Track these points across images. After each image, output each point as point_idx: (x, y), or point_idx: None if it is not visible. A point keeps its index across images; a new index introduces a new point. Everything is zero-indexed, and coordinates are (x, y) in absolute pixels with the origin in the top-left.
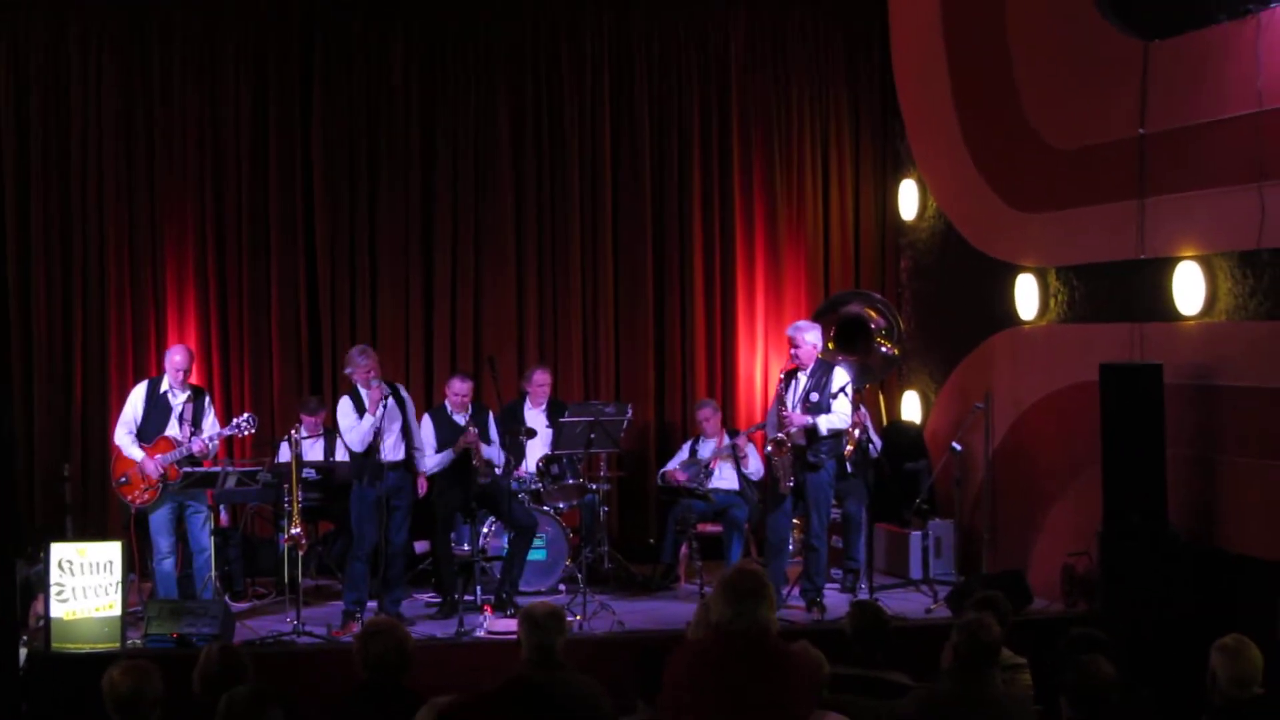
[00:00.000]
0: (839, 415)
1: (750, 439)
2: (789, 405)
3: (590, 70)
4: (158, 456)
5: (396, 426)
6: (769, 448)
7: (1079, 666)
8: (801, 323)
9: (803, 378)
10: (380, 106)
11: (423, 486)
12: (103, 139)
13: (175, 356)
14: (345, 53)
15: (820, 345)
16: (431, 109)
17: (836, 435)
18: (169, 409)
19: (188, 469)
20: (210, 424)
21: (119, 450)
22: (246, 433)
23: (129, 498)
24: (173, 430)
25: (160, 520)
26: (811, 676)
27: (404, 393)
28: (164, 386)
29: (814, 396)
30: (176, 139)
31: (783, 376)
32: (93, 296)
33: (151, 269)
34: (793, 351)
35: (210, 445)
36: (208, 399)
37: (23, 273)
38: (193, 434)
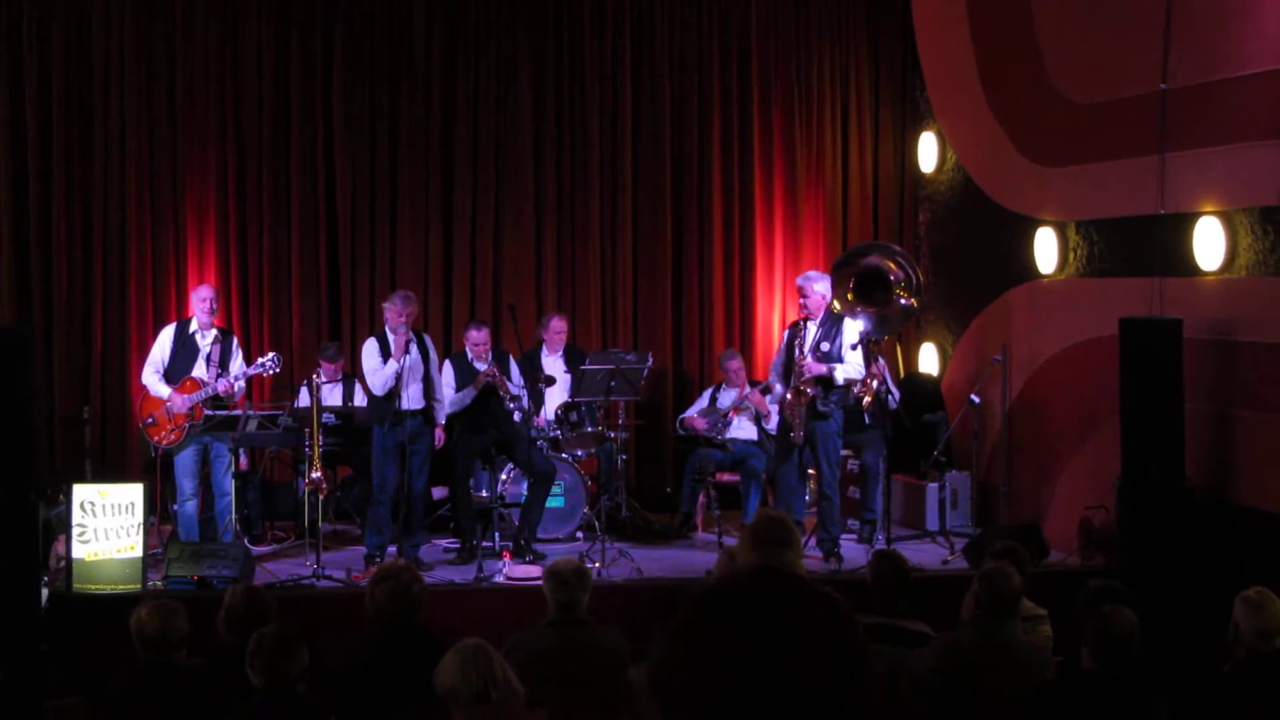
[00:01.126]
0: (853, 365)
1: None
2: (799, 354)
3: (611, 20)
4: (184, 396)
5: (419, 376)
6: (788, 396)
7: (1102, 616)
8: (811, 273)
9: (812, 327)
10: (401, 54)
11: (439, 438)
12: (124, 84)
13: (201, 291)
14: (366, 2)
15: (829, 295)
16: (453, 56)
17: (848, 386)
18: (196, 350)
19: (209, 411)
20: (237, 365)
21: (146, 390)
22: (271, 371)
23: (155, 438)
24: (199, 371)
25: (185, 461)
26: None
27: (429, 343)
28: (192, 328)
29: (824, 346)
30: (198, 84)
31: (789, 327)
32: (113, 241)
33: (172, 214)
34: (802, 301)
35: (237, 385)
36: (235, 341)
37: (43, 217)
38: (219, 375)
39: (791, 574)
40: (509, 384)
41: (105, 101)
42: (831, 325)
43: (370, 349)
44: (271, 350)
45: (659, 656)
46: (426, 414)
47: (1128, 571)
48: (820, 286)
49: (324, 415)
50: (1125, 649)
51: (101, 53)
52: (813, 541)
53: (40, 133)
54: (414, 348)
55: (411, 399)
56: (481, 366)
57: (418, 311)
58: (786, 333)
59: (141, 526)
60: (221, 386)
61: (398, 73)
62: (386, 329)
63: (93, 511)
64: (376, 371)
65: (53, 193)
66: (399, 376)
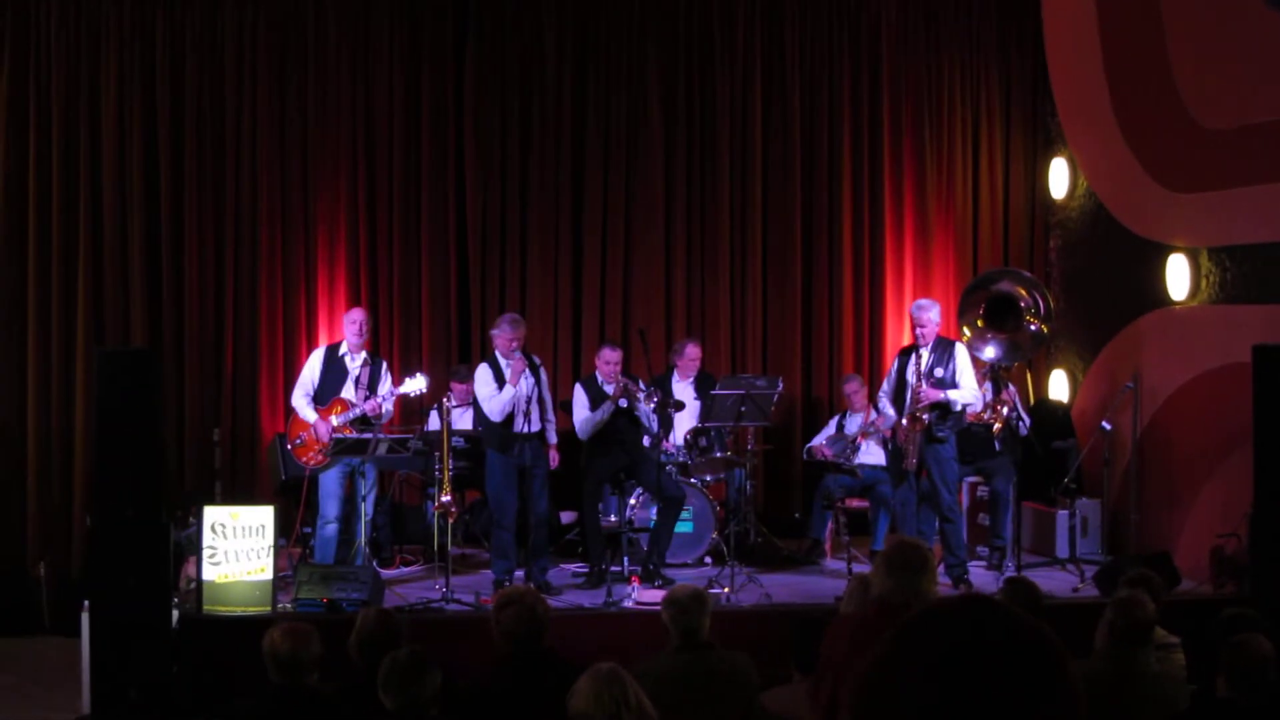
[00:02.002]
0: (970, 390)
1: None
2: (914, 380)
3: (742, 45)
4: (331, 418)
5: (533, 401)
6: (903, 422)
7: (1237, 644)
8: (923, 300)
9: (924, 353)
10: (533, 80)
11: (554, 459)
12: (256, 109)
13: (353, 314)
14: (498, 22)
15: (940, 322)
16: (583, 82)
17: (961, 411)
18: (345, 372)
19: (338, 435)
20: (385, 388)
21: (295, 412)
22: (417, 394)
23: (303, 459)
24: (348, 393)
25: (329, 483)
26: None
27: (538, 362)
28: (341, 350)
29: (938, 372)
30: (330, 109)
31: (899, 353)
32: (244, 264)
33: (303, 238)
34: (919, 331)
35: (385, 406)
36: (384, 364)
37: (175, 239)
38: (367, 397)
39: (999, 603)
40: (639, 394)
41: (238, 126)
42: (944, 351)
43: (484, 375)
44: (398, 378)
45: (860, 685)
46: (542, 436)
47: (1261, 600)
48: (934, 314)
49: (454, 439)
50: (1261, 678)
51: (235, 78)
52: (941, 568)
53: (173, 156)
54: (527, 370)
55: (528, 422)
56: (610, 389)
57: (525, 332)
58: (897, 359)
59: (272, 549)
60: (369, 407)
61: (528, 97)
62: (497, 354)
63: (223, 533)
64: (493, 398)
65: (185, 215)
66: (514, 401)
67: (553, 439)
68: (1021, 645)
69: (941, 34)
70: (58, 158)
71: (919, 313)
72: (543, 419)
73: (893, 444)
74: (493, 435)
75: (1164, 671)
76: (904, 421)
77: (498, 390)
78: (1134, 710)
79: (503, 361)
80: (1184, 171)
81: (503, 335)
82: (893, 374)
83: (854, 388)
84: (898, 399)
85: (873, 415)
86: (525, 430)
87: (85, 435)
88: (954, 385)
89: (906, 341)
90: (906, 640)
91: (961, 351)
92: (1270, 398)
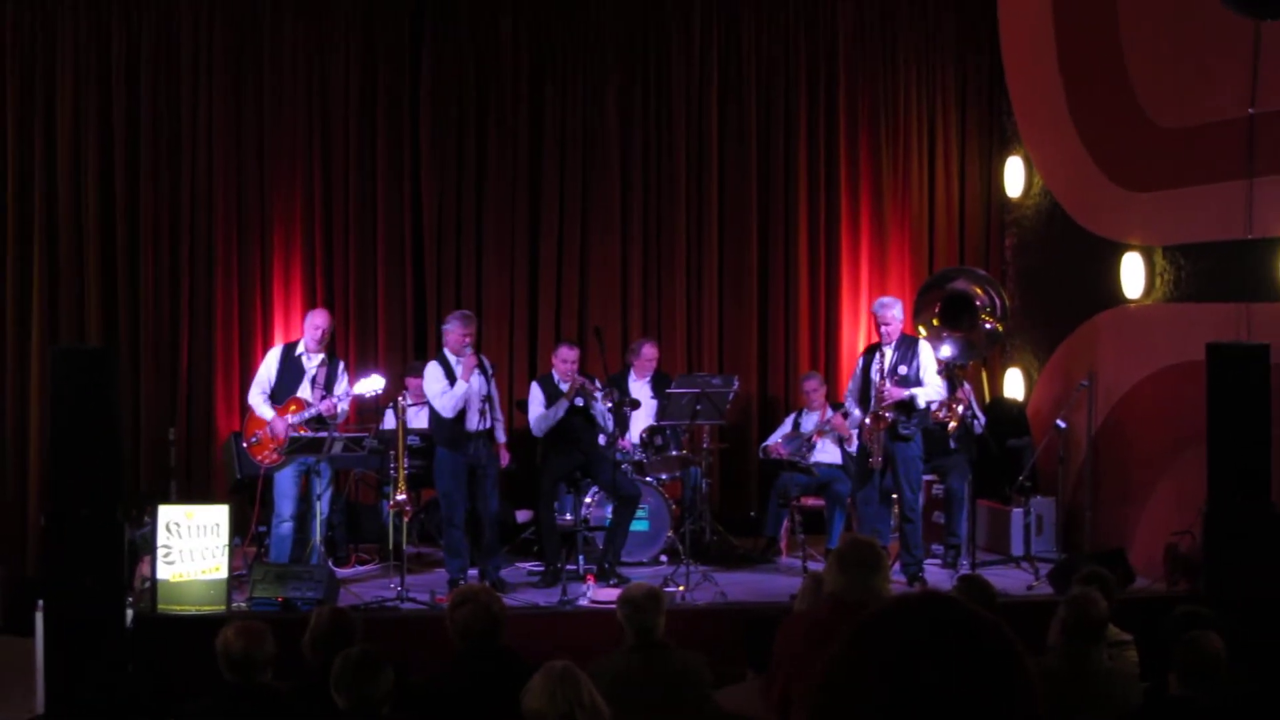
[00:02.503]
0: (933, 388)
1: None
2: (878, 379)
3: (698, 44)
4: (287, 417)
5: (481, 398)
6: (866, 421)
7: (1189, 641)
8: (886, 299)
9: (888, 352)
10: (489, 80)
11: (504, 458)
12: (212, 106)
13: (316, 318)
14: (454, 22)
15: (903, 319)
16: (540, 80)
17: (928, 408)
18: (302, 372)
19: (294, 434)
20: (342, 388)
21: (251, 410)
22: (373, 394)
23: (258, 457)
24: (304, 393)
25: (284, 482)
26: None
27: (487, 362)
28: (298, 350)
29: (902, 370)
30: (286, 109)
31: (864, 352)
32: (200, 263)
33: (259, 236)
34: (883, 329)
35: (340, 406)
36: (341, 364)
37: (131, 238)
38: (323, 396)
39: (956, 600)
40: (596, 392)
41: (194, 125)
42: (908, 349)
43: (434, 373)
44: (354, 376)
45: (818, 685)
46: (490, 434)
47: (1214, 597)
48: (898, 311)
49: (409, 437)
50: (1213, 675)
51: (191, 77)
52: (897, 566)
53: (128, 155)
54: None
55: (477, 420)
56: (565, 387)
57: (476, 328)
58: (861, 358)
59: (227, 548)
60: (325, 407)
61: (484, 93)
62: (446, 351)
63: (178, 532)
64: (444, 394)
65: (140, 214)
66: (466, 398)
67: (501, 437)
68: (979, 642)
69: (898, 33)
70: (12, 156)
71: (882, 310)
72: (491, 417)
73: (858, 442)
74: (444, 433)
75: (1116, 669)
76: (867, 420)
77: (449, 387)
78: (1086, 707)
79: (453, 359)
80: (1139, 170)
81: (454, 331)
82: (857, 373)
83: (813, 386)
84: (863, 398)
85: (829, 414)
86: (477, 428)
87: (40, 433)
88: (918, 383)
89: (864, 340)
90: (864, 639)
91: (925, 349)
92: (1224, 396)
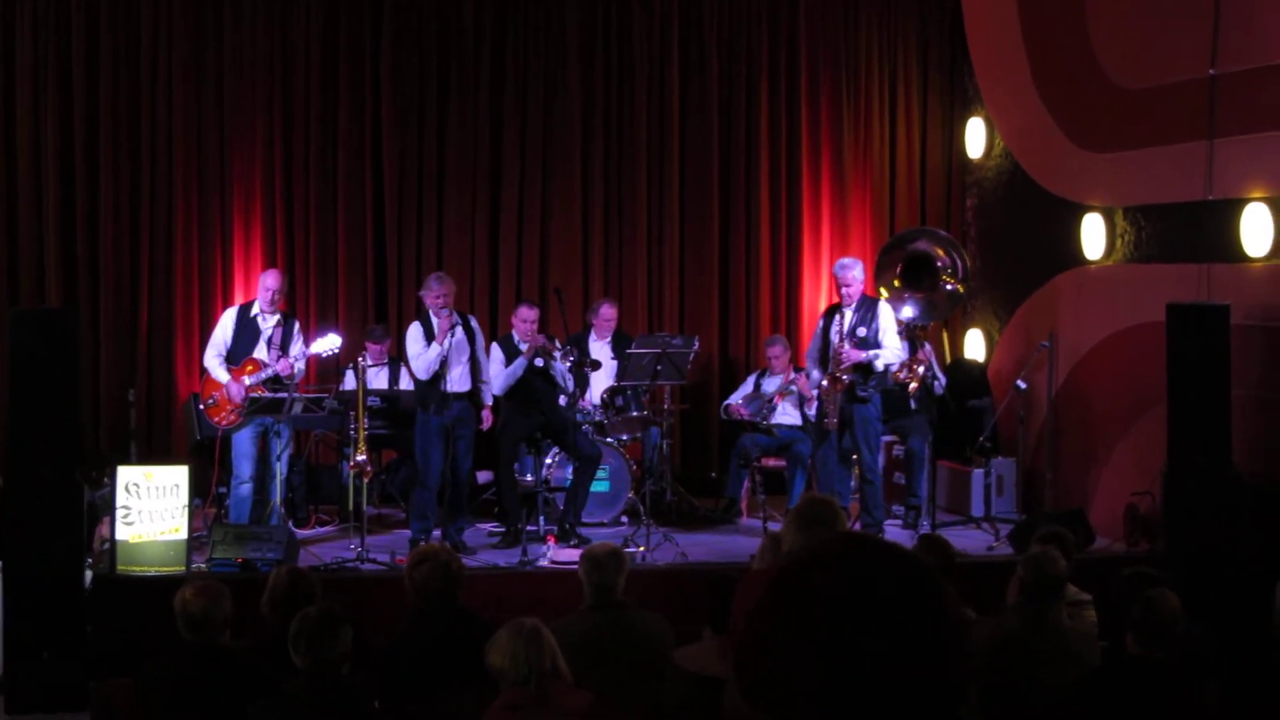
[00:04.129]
0: (892, 350)
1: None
2: (836, 340)
3: (660, 4)
4: (243, 378)
5: (464, 358)
6: (824, 383)
7: (1146, 600)
8: (846, 260)
9: (848, 313)
10: (450, 40)
11: (487, 420)
12: (172, 65)
13: (267, 279)
14: None
15: (864, 280)
16: (502, 42)
17: (886, 370)
18: (258, 333)
19: (254, 395)
20: (298, 348)
21: (208, 372)
22: (331, 353)
23: (215, 419)
24: (260, 353)
25: (242, 443)
26: None
27: (474, 324)
28: (254, 311)
29: (861, 331)
30: (246, 63)
31: (824, 313)
32: (159, 222)
33: (219, 196)
34: (844, 291)
35: (296, 366)
36: (297, 324)
37: (90, 198)
38: (279, 356)
39: (873, 540)
40: (555, 352)
41: (153, 83)
42: (867, 310)
43: (414, 333)
44: (315, 336)
45: (745, 634)
46: (473, 396)
47: (1173, 557)
48: (857, 272)
49: (369, 398)
50: (1169, 633)
51: (150, 33)
52: (858, 527)
53: (88, 114)
54: (459, 329)
55: (457, 381)
56: (525, 347)
57: (455, 290)
58: (822, 319)
59: (186, 509)
60: (281, 367)
61: (446, 54)
62: (430, 313)
63: (137, 493)
64: (420, 355)
65: (100, 175)
66: (444, 360)
67: (488, 400)
68: (901, 581)
69: None
70: None
71: (842, 272)
72: (476, 379)
73: (817, 404)
74: (423, 393)
75: (1075, 628)
76: (824, 382)
77: (426, 347)
78: (1045, 665)
79: (434, 319)
80: (1100, 131)
81: (430, 293)
82: (818, 334)
83: (777, 351)
84: (823, 359)
85: (792, 375)
86: (456, 389)
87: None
88: (877, 345)
89: (825, 300)
90: (785, 586)
91: (885, 310)
92: (1184, 356)
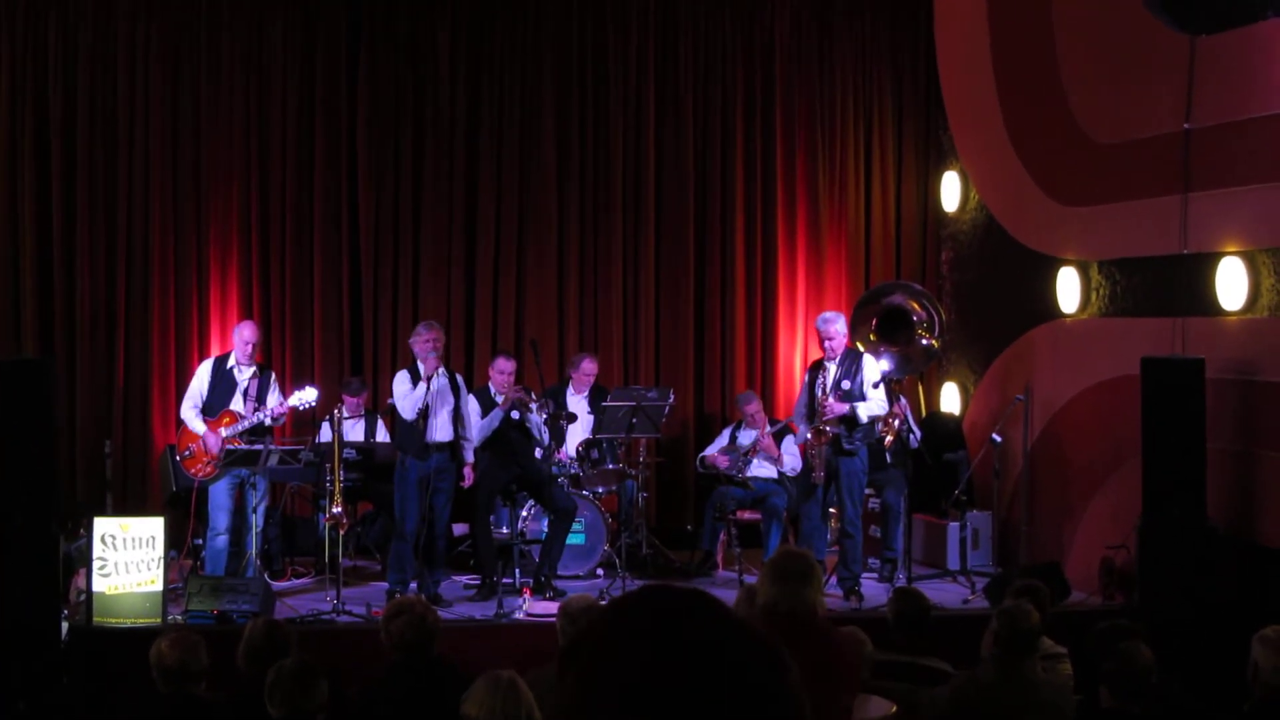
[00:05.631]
0: (877, 403)
1: (775, 435)
2: (821, 395)
3: (635, 56)
4: (220, 430)
5: (447, 410)
6: (808, 436)
7: (1120, 653)
8: (828, 314)
9: (831, 367)
10: (425, 88)
11: (468, 478)
12: (149, 117)
13: (244, 332)
14: (391, 33)
15: (846, 333)
16: (476, 91)
17: (871, 422)
18: (234, 385)
19: (230, 447)
20: (274, 399)
21: (184, 424)
22: (307, 406)
23: (192, 470)
24: (237, 405)
25: (219, 494)
26: (856, 659)
27: (459, 380)
28: (230, 363)
29: (845, 384)
30: (223, 118)
31: (809, 368)
32: (136, 274)
33: (195, 248)
34: (827, 344)
35: (277, 414)
36: (273, 376)
37: (67, 250)
38: (256, 409)
39: (712, 598)
40: (532, 404)
41: (130, 136)
42: (851, 363)
43: (401, 377)
44: (291, 389)
45: (565, 694)
46: (454, 449)
47: (1149, 611)
48: (840, 326)
49: (345, 450)
50: (1143, 686)
51: (127, 88)
52: (834, 580)
53: (65, 166)
54: (444, 377)
55: (439, 430)
56: (501, 399)
57: (444, 339)
58: (807, 374)
59: (162, 560)
60: (258, 420)
61: (421, 105)
62: (418, 360)
63: (113, 545)
64: (407, 395)
65: (76, 225)
66: (427, 406)
67: (469, 457)
68: (733, 638)
69: (834, 47)
70: None
71: (825, 325)
72: (458, 432)
73: (801, 459)
74: (404, 441)
75: (1050, 681)
76: (808, 436)
77: (412, 388)
78: (1019, 719)
79: (421, 366)
80: (1074, 185)
81: (419, 338)
82: (804, 391)
83: (754, 409)
84: (811, 414)
85: (767, 430)
86: (436, 439)
87: None
88: (862, 397)
89: (801, 353)
90: (608, 632)
91: (869, 363)
92: (1158, 410)
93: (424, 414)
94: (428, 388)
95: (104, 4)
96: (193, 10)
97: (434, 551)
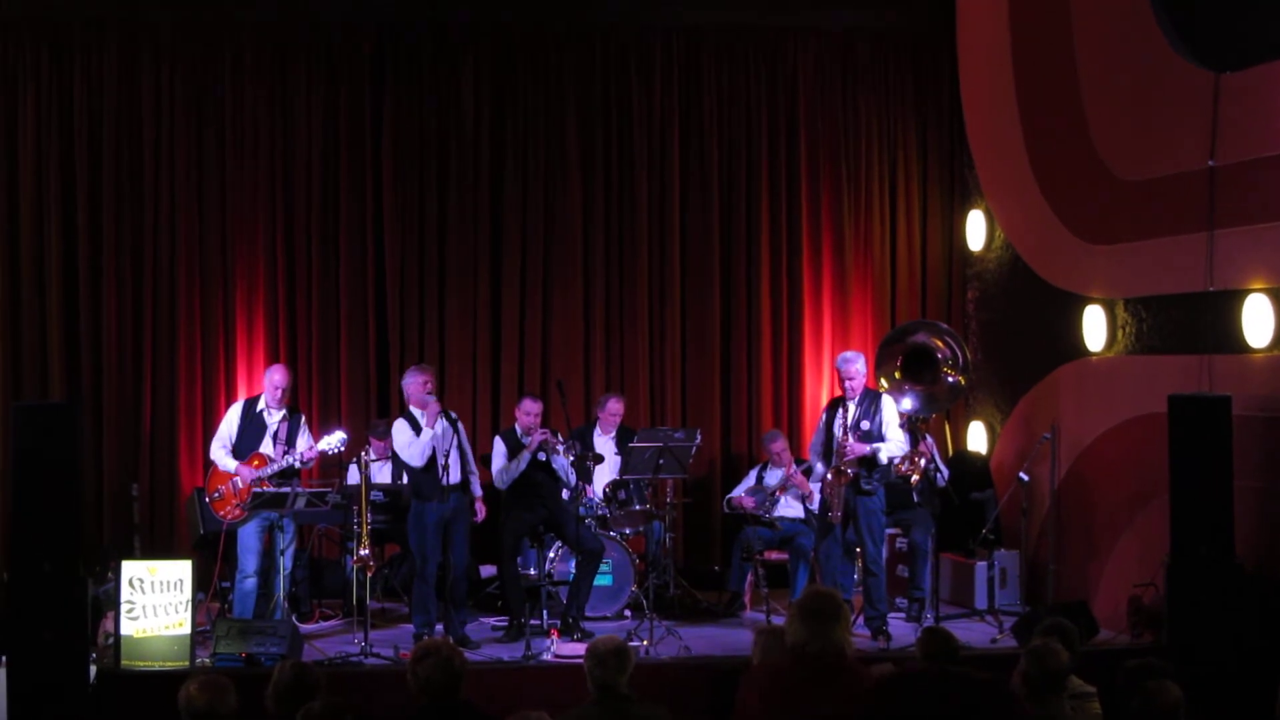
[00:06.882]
0: (895, 443)
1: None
2: (840, 434)
3: (659, 97)
4: (250, 470)
5: (455, 449)
6: (828, 476)
7: (1147, 691)
8: (849, 354)
9: (851, 406)
10: (450, 134)
11: (480, 512)
12: (174, 161)
13: (274, 375)
14: (415, 78)
15: (866, 373)
16: (501, 134)
17: (890, 463)
18: (264, 427)
19: (258, 490)
20: (304, 442)
21: (214, 465)
22: (336, 451)
23: (221, 513)
24: (266, 448)
25: (247, 537)
26: None
27: (455, 416)
28: (260, 405)
29: (864, 425)
30: (248, 162)
31: (827, 406)
32: (162, 317)
33: (222, 290)
34: (847, 384)
35: (306, 457)
36: (303, 419)
37: (93, 293)
38: (286, 452)
39: (958, 672)
40: (558, 445)
41: (156, 180)
42: (871, 404)
43: (401, 426)
44: (318, 432)
45: None
46: (464, 487)
47: (1177, 649)
48: (861, 365)
49: (373, 493)
50: None
51: (152, 132)
52: (860, 620)
53: (90, 210)
54: (442, 418)
55: (450, 473)
56: (527, 440)
57: (435, 379)
58: (825, 412)
59: (190, 603)
60: (287, 464)
61: (445, 149)
62: (411, 407)
63: (141, 588)
64: (412, 444)
65: (103, 268)
66: (435, 450)
67: (477, 491)
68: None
69: (859, 88)
70: None
71: (845, 365)
72: (465, 471)
73: (819, 498)
74: (419, 486)
75: None
76: (829, 475)
77: (415, 436)
78: None
79: (418, 413)
80: (1100, 223)
81: (413, 382)
82: (821, 428)
83: (779, 447)
84: (827, 453)
85: (793, 469)
86: (446, 481)
87: (2, 489)
88: (881, 438)
89: (826, 393)
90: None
91: (888, 404)
92: (1186, 447)
93: (433, 458)
94: (434, 431)
95: (129, 51)
96: (216, 56)
97: (459, 591)
